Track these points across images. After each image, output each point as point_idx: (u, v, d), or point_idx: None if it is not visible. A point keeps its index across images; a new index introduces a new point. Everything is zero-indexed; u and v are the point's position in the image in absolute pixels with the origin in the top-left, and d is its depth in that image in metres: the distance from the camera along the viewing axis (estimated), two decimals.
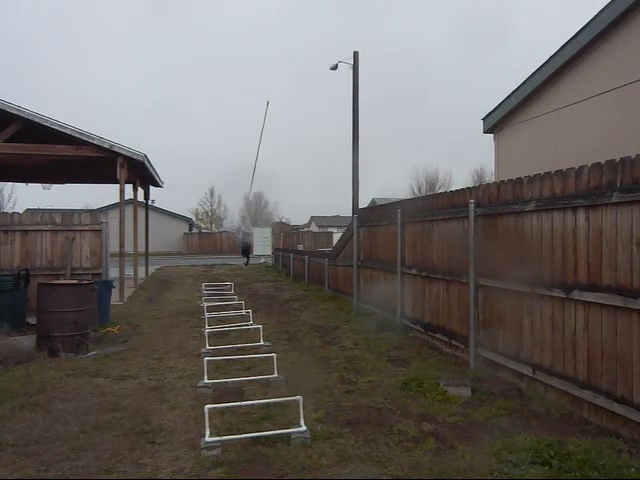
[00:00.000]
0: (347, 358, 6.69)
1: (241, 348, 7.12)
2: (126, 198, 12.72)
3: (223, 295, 13.13)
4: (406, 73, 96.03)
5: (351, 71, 17.98)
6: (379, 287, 9.49)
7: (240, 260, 29.52)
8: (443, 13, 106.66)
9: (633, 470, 3.40)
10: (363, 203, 16.79)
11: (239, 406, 4.59)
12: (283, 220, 62.68)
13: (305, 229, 58.26)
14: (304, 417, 4.14)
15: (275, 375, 5.57)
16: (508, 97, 10.30)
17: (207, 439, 3.87)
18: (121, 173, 11.99)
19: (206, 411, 3.99)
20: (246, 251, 28.58)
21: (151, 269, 21.13)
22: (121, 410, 4.81)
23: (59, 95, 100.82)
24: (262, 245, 38.18)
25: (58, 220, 10.18)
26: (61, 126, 11.34)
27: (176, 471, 3.62)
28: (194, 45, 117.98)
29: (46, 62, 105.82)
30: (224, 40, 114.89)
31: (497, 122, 10.74)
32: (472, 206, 6.06)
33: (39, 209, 37.14)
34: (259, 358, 6.26)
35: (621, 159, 4.09)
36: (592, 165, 4.37)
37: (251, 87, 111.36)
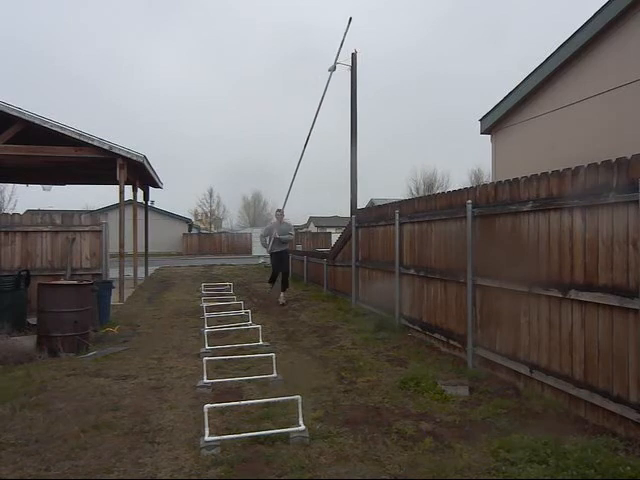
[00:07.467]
0: (346, 358, 6.72)
1: (240, 348, 7.15)
2: (126, 199, 12.73)
3: (222, 295, 13.15)
4: (404, 73, 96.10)
5: (349, 72, 17.98)
6: (377, 287, 9.52)
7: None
8: (443, 13, 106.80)
9: (629, 468, 3.42)
10: (361, 204, 16.80)
11: (238, 405, 4.61)
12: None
13: (304, 229, 58.29)
14: (303, 416, 4.16)
15: (274, 375, 5.60)
16: (505, 98, 10.33)
17: (206, 438, 3.89)
18: (121, 174, 12.02)
19: (205, 410, 4.02)
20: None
21: (151, 269, 21.15)
22: (121, 410, 4.83)
23: (58, 93, 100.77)
24: (261, 246, 38.07)
25: (58, 221, 10.20)
26: (61, 127, 11.36)
27: (176, 470, 3.64)
28: (194, 45, 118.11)
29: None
30: (223, 39, 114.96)
31: (494, 123, 10.78)
32: (470, 206, 6.10)
33: (39, 210, 37.12)
34: (258, 358, 6.28)
35: (617, 160, 4.12)
36: (588, 166, 4.39)
37: (250, 86, 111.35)
